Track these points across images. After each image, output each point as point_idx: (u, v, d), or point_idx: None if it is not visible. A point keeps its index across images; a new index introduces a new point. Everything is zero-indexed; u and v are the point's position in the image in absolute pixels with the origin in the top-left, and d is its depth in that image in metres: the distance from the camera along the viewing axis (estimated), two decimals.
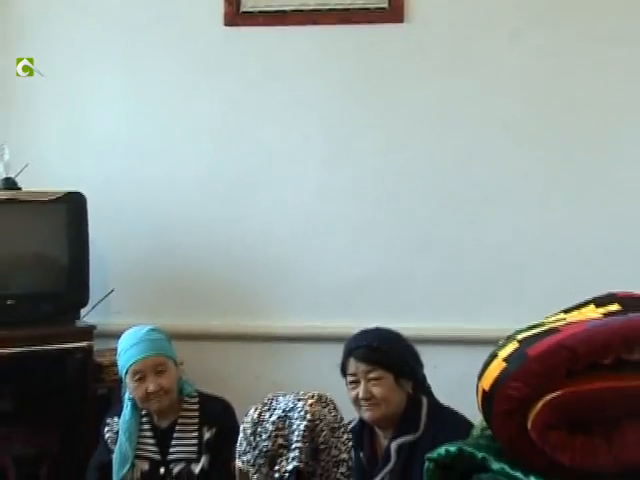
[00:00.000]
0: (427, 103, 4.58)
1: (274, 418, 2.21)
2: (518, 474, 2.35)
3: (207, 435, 3.81)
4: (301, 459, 2.14)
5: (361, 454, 3.44)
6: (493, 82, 4.53)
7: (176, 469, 3.79)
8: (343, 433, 2.24)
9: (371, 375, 3.36)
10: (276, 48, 4.75)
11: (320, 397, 2.26)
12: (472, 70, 4.56)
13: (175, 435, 3.83)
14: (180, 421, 3.84)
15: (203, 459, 3.79)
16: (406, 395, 3.40)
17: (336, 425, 2.23)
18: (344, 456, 2.21)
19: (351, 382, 3.40)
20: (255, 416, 2.25)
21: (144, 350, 3.76)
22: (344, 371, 3.43)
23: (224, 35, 4.79)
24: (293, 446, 2.16)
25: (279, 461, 2.17)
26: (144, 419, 3.86)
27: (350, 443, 2.26)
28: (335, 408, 2.27)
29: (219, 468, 3.72)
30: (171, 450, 3.82)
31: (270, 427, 2.20)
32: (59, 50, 4.92)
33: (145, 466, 3.81)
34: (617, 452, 2.26)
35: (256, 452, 2.21)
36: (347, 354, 3.43)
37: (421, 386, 3.46)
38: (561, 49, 4.50)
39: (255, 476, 2.22)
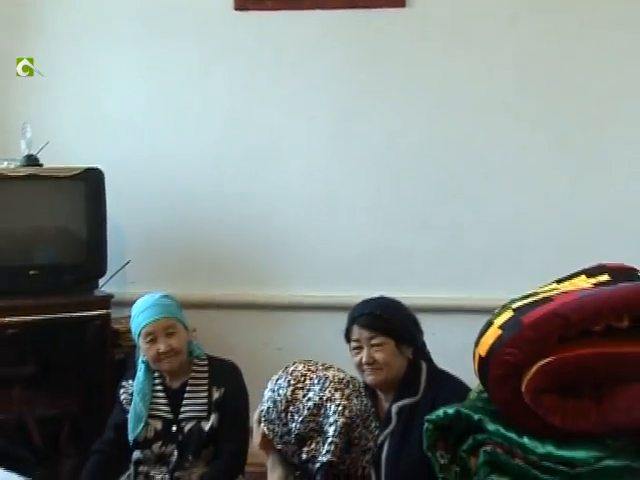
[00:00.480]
0: (429, 85, 4.56)
1: (310, 404, 2.18)
2: (512, 435, 2.36)
3: (216, 395, 3.82)
4: (335, 454, 2.13)
5: None
6: (493, 65, 4.51)
7: (187, 427, 3.80)
8: (371, 422, 2.23)
9: (374, 341, 3.37)
10: (284, 32, 4.74)
11: (354, 384, 2.24)
12: (472, 53, 4.54)
13: (186, 395, 3.84)
14: (190, 382, 3.85)
15: (212, 417, 3.80)
16: (407, 360, 3.40)
17: (367, 414, 2.22)
18: (371, 444, 2.21)
19: (355, 348, 3.41)
20: (289, 393, 2.21)
21: (155, 313, 3.77)
22: (348, 337, 3.44)
23: (234, 19, 4.77)
24: (329, 440, 2.14)
25: (309, 443, 2.17)
26: (156, 381, 3.87)
27: (376, 431, 2.26)
28: (364, 394, 2.25)
29: (227, 425, 3.74)
30: (182, 409, 3.83)
31: (305, 412, 2.17)
32: (79, 34, 4.91)
33: (158, 425, 3.82)
34: (606, 414, 2.28)
35: (286, 429, 2.20)
36: (351, 321, 3.44)
37: (421, 352, 3.47)
38: (559, 32, 4.47)
39: (280, 446, 2.22)
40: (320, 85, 4.68)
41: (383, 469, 3.34)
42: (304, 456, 2.16)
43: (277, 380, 2.25)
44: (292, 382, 2.23)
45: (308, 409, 2.17)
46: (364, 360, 3.35)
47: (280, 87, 4.75)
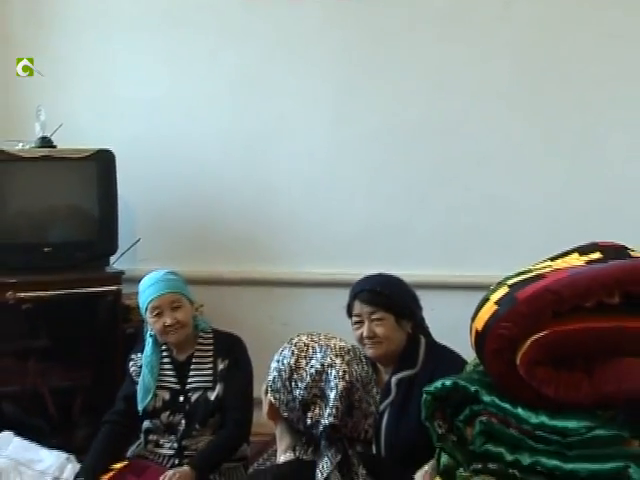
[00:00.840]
0: (426, 70, 4.56)
1: (312, 371, 2.18)
2: (507, 405, 2.37)
3: (221, 366, 3.84)
4: (337, 416, 2.13)
5: None
6: (489, 49, 4.50)
7: (194, 397, 3.83)
8: (372, 387, 2.23)
9: (374, 316, 3.38)
10: (289, 16, 4.73)
11: (355, 352, 2.23)
12: (469, 38, 4.52)
13: (192, 367, 3.86)
14: (196, 354, 3.87)
15: (218, 387, 3.82)
16: (406, 334, 3.42)
17: (367, 380, 2.22)
18: (372, 409, 2.21)
19: (356, 322, 3.42)
20: (292, 362, 2.22)
21: (161, 288, 3.79)
22: (350, 312, 3.45)
23: (241, 6, 4.77)
24: (330, 404, 2.14)
25: (312, 408, 2.16)
26: (164, 353, 3.89)
27: (378, 396, 2.26)
28: (365, 362, 2.25)
29: (232, 395, 3.76)
30: (189, 380, 3.85)
31: (308, 378, 2.18)
32: (92, 21, 4.92)
33: (166, 395, 3.84)
34: (597, 386, 2.28)
35: (290, 396, 2.20)
36: (353, 297, 3.45)
37: (420, 326, 3.49)
38: (555, 17, 4.44)
39: (286, 414, 2.22)
40: (322, 70, 4.69)
41: (383, 437, 3.36)
42: (309, 421, 2.16)
43: (282, 351, 2.26)
44: (296, 352, 2.24)
45: (310, 375, 2.17)
46: (365, 334, 3.37)
47: (284, 72, 4.75)
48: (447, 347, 3.35)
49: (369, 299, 3.39)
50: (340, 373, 2.15)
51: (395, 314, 3.38)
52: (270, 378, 2.27)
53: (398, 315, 3.38)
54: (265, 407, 2.31)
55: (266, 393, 2.28)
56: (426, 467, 2.98)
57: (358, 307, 3.41)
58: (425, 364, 3.33)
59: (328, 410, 2.13)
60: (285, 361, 2.22)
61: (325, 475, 2.12)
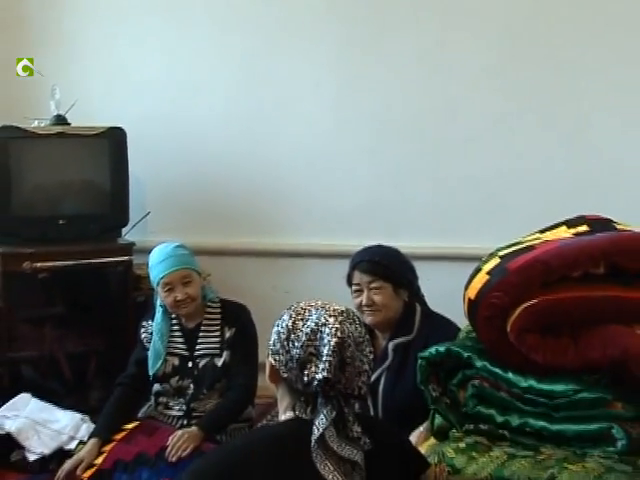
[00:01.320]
0: (423, 54, 4.51)
1: (307, 330, 2.19)
2: (497, 370, 2.38)
3: (228, 334, 3.86)
4: (330, 370, 2.13)
5: None
6: (483, 34, 4.44)
7: (202, 363, 3.84)
8: (366, 347, 2.23)
9: (373, 285, 3.39)
10: (293, 1, 4.71)
11: (348, 313, 2.24)
12: (465, 24, 4.47)
13: (200, 334, 3.87)
14: (205, 322, 3.88)
15: (224, 354, 3.83)
16: (402, 303, 3.43)
17: (361, 340, 2.22)
18: (365, 367, 2.21)
19: (355, 291, 3.44)
20: (290, 324, 2.23)
21: (172, 265, 3.79)
22: (349, 281, 3.46)
23: None
24: (324, 358, 2.15)
25: (308, 366, 2.17)
26: (174, 321, 3.90)
27: (371, 356, 2.25)
28: (359, 323, 2.25)
29: (238, 362, 3.78)
30: (197, 347, 3.86)
31: (303, 337, 2.18)
32: (104, 5, 4.90)
33: (175, 361, 3.86)
34: (582, 351, 2.30)
35: (288, 356, 2.21)
36: (352, 267, 3.46)
37: (416, 295, 3.50)
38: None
39: (285, 374, 2.23)
40: (324, 54, 4.66)
41: (380, 400, 3.38)
42: (305, 379, 2.17)
43: (282, 316, 2.27)
44: (293, 315, 2.25)
45: (306, 335, 2.18)
46: (364, 302, 3.39)
47: (288, 55, 4.73)
48: (441, 315, 3.37)
49: (368, 269, 3.41)
50: (333, 331, 2.16)
51: (393, 283, 3.39)
52: (270, 342, 2.28)
53: (395, 284, 3.40)
54: (267, 370, 2.32)
55: (267, 356, 2.30)
56: (421, 428, 3.00)
57: (357, 276, 3.42)
58: (420, 331, 3.35)
59: (322, 365, 2.14)
60: (283, 324, 2.23)
61: (321, 431, 2.12)
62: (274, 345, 2.25)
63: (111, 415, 3.83)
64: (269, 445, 2.23)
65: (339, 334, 2.15)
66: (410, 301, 3.44)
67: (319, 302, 2.26)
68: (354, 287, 3.44)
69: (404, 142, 4.56)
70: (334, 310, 2.21)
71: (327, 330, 2.16)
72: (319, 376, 2.13)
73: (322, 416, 2.14)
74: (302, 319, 2.22)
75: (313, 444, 2.12)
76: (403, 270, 3.44)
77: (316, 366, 2.15)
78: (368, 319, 3.42)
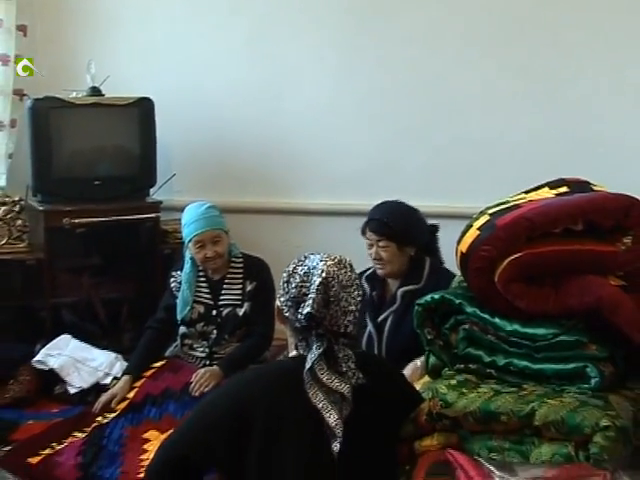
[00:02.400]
0: (418, 27, 4.44)
1: (301, 272, 2.23)
2: (486, 315, 2.39)
3: (249, 287, 3.87)
4: (314, 307, 2.17)
5: (374, 293, 3.50)
6: (471, 7, 4.40)
7: (225, 312, 3.86)
8: (354, 290, 2.25)
9: (380, 243, 3.39)
10: None
11: (340, 260, 2.26)
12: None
13: (224, 286, 3.88)
14: (228, 275, 3.89)
15: (245, 305, 3.85)
16: (409, 257, 3.42)
17: (348, 283, 2.23)
18: (352, 308, 2.23)
19: (368, 244, 3.44)
20: (290, 269, 2.27)
21: (204, 225, 3.78)
22: (364, 233, 3.46)
23: None
24: (309, 295, 2.19)
25: (302, 305, 2.21)
26: (200, 273, 3.91)
27: (359, 298, 2.27)
28: (351, 270, 2.27)
29: (257, 311, 3.79)
30: (221, 297, 3.87)
31: (298, 278, 2.23)
32: None
33: (201, 309, 3.87)
34: (561, 299, 2.30)
35: (287, 296, 2.25)
36: (366, 222, 3.45)
37: (425, 249, 3.47)
38: None
39: (287, 314, 2.27)
40: (327, 26, 4.59)
41: (384, 338, 3.41)
42: (299, 316, 2.21)
43: (288, 266, 2.30)
44: (295, 262, 2.29)
45: (299, 276, 2.22)
46: (373, 256, 3.42)
47: (294, 29, 4.66)
48: (448, 269, 3.32)
49: (375, 229, 3.40)
50: (319, 271, 2.20)
51: (397, 242, 3.38)
52: (279, 287, 2.32)
53: (400, 243, 3.39)
54: (276, 312, 2.36)
55: (276, 300, 2.34)
56: (417, 361, 3.01)
57: (368, 232, 3.42)
58: (428, 281, 3.35)
59: (308, 301, 2.18)
60: (287, 270, 2.28)
61: (310, 364, 2.17)
62: (279, 289, 2.31)
63: (141, 355, 3.86)
64: (272, 376, 2.30)
65: (324, 275, 2.19)
66: (417, 255, 3.43)
67: (321, 253, 2.28)
68: (366, 240, 3.45)
69: (401, 110, 4.53)
70: (327, 257, 2.25)
71: (316, 272, 2.21)
72: (304, 311, 2.18)
73: (313, 350, 2.19)
74: (300, 264, 2.27)
75: (305, 375, 2.17)
76: (409, 230, 3.40)
77: (304, 304, 2.20)
78: (379, 271, 3.45)
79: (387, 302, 3.45)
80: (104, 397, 3.68)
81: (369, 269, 3.53)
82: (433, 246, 3.52)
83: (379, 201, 3.56)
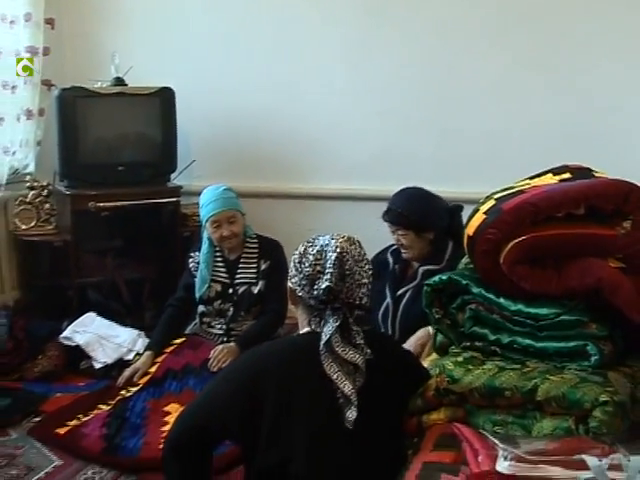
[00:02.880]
0: (426, 19, 4.42)
1: (314, 252, 2.25)
2: (491, 296, 2.40)
3: (263, 266, 3.89)
4: (332, 280, 2.19)
5: (396, 266, 3.53)
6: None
7: (240, 290, 3.88)
8: (365, 264, 2.28)
9: (398, 232, 3.41)
10: None
11: (349, 238, 2.29)
12: None
13: (240, 265, 3.90)
14: (244, 255, 3.91)
15: (260, 283, 3.87)
16: (429, 241, 3.42)
17: (360, 258, 2.26)
18: (365, 281, 2.26)
19: (390, 230, 3.46)
20: (302, 250, 2.29)
21: (221, 206, 3.81)
22: (385, 221, 3.48)
23: None
24: (326, 270, 2.21)
25: (317, 282, 2.22)
26: (217, 253, 3.93)
27: (370, 272, 2.29)
28: (360, 246, 2.30)
29: (271, 289, 3.81)
30: (237, 276, 3.89)
31: (311, 258, 2.25)
32: None
33: (218, 287, 3.90)
34: (563, 280, 2.30)
35: (301, 276, 2.26)
36: (384, 212, 3.46)
37: (446, 233, 3.45)
38: None
39: (300, 293, 2.28)
40: (342, 22, 4.57)
41: (400, 312, 3.44)
42: (315, 293, 2.22)
43: (298, 248, 2.32)
44: (305, 243, 2.31)
45: (313, 255, 2.24)
46: (395, 241, 3.45)
47: (311, 20, 4.64)
48: None
49: (391, 219, 3.43)
50: (333, 248, 2.23)
51: (414, 230, 3.40)
52: (289, 269, 2.35)
53: (416, 230, 3.40)
54: (288, 293, 2.38)
55: (287, 282, 2.36)
56: (429, 328, 3.00)
57: (387, 222, 3.44)
58: (449, 262, 3.34)
59: (326, 276, 2.20)
60: (297, 252, 2.31)
61: (328, 336, 2.19)
62: (290, 271, 2.33)
63: (163, 332, 3.90)
64: (285, 350, 2.33)
65: (338, 250, 2.22)
66: (438, 238, 3.43)
67: (330, 234, 2.30)
68: (388, 227, 3.45)
69: (413, 99, 4.51)
70: (337, 235, 2.28)
71: (329, 249, 2.24)
72: (323, 285, 2.20)
73: (329, 324, 2.20)
74: (311, 245, 2.29)
75: (321, 348, 2.18)
76: (424, 217, 3.40)
77: (321, 280, 2.21)
78: (403, 255, 3.49)
79: (408, 278, 3.48)
80: (127, 372, 3.72)
81: (394, 244, 3.55)
82: (455, 227, 3.48)
83: (390, 187, 3.58)
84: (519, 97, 4.33)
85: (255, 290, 3.88)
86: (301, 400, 2.16)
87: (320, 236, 2.31)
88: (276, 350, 2.36)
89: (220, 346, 3.72)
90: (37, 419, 3.60)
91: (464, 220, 3.42)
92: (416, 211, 3.39)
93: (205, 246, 3.89)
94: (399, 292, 3.46)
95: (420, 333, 3.19)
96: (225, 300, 3.88)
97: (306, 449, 2.13)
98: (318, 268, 2.23)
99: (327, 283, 2.19)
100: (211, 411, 2.22)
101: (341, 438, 2.14)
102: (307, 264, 2.25)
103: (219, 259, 3.93)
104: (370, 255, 2.42)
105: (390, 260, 3.53)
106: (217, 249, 3.92)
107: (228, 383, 2.26)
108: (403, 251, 3.45)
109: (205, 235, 3.90)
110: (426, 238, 3.41)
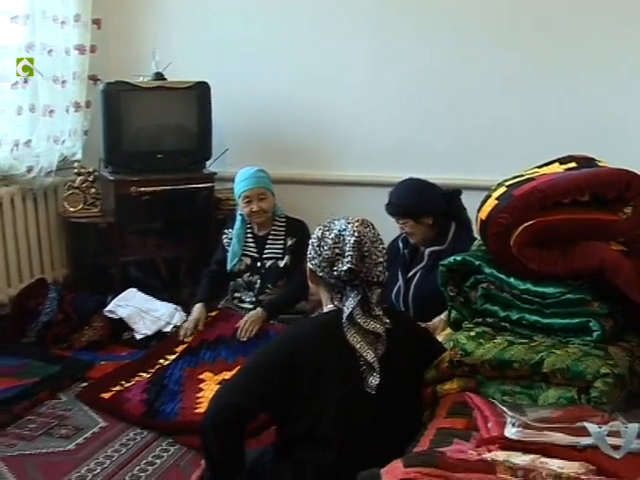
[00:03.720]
0: (444, 17, 4.36)
1: (332, 236, 2.25)
2: (502, 275, 2.40)
3: (289, 242, 3.93)
4: (352, 262, 2.20)
5: (405, 251, 3.55)
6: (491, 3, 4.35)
7: (268, 264, 3.93)
8: (379, 244, 2.28)
9: (399, 221, 3.44)
10: None
11: (363, 221, 2.29)
12: None
13: (268, 241, 3.95)
14: (272, 232, 3.96)
15: (286, 258, 3.92)
16: (429, 225, 3.43)
17: (374, 239, 2.27)
18: (380, 259, 2.26)
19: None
20: (319, 234, 2.29)
21: (252, 183, 3.87)
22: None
23: None
24: (346, 253, 2.21)
25: (336, 264, 2.23)
26: (248, 230, 3.98)
27: (384, 251, 2.30)
28: (373, 228, 2.30)
29: (296, 265, 3.83)
30: (265, 251, 3.94)
31: (330, 242, 2.25)
32: None
33: (248, 261, 3.95)
34: (569, 262, 2.30)
35: (320, 258, 2.27)
36: (386, 204, 3.47)
37: (445, 215, 3.46)
38: None
39: (321, 274, 2.30)
40: (365, 23, 4.53)
41: (412, 290, 3.46)
42: (335, 273, 2.23)
43: (315, 232, 2.33)
44: (322, 228, 2.31)
45: (331, 239, 2.25)
46: (400, 230, 3.47)
47: (337, 18, 4.58)
48: (472, 234, 3.31)
49: (390, 211, 3.46)
50: (351, 232, 2.23)
51: (411, 217, 3.41)
52: (308, 251, 2.35)
53: (415, 217, 3.41)
54: (307, 274, 2.39)
55: (306, 264, 2.37)
56: (442, 316, 3.02)
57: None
58: (451, 243, 3.38)
59: (346, 259, 2.21)
60: (315, 236, 2.31)
61: (350, 309, 2.21)
62: (310, 253, 2.33)
63: (205, 291, 4.01)
64: (313, 327, 2.35)
65: (356, 234, 2.22)
66: (439, 221, 3.44)
67: (344, 218, 2.30)
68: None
69: (430, 92, 4.48)
70: (352, 219, 2.28)
71: (347, 232, 2.24)
72: (345, 267, 2.21)
73: (350, 299, 2.22)
74: (328, 229, 2.29)
75: (344, 321, 2.21)
76: (419, 205, 3.41)
77: (342, 262, 2.22)
78: (410, 240, 3.50)
79: (416, 260, 3.49)
80: (189, 324, 3.82)
81: (401, 234, 3.57)
82: (455, 210, 3.49)
83: (407, 174, 3.59)
84: (529, 92, 4.30)
85: (281, 264, 3.92)
86: (329, 370, 2.17)
87: (335, 220, 2.31)
88: (305, 328, 2.39)
89: (246, 316, 3.77)
90: (84, 384, 3.65)
91: (463, 203, 3.48)
92: (410, 201, 3.41)
93: (238, 222, 3.96)
94: (409, 274, 3.49)
95: (437, 320, 3.20)
96: (253, 273, 3.94)
97: (333, 413, 2.15)
98: (337, 251, 2.23)
99: (348, 265, 2.20)
100: (251, 387, 2.21)
101: (364, 403, 2.17)
102: (326, 247, 2.25)
103: (249, 235, 3.98)
104: (387, 238, 2.43)
105: (400, 246, 3.56)
106: (248, 226, 3.97)
107: (264, 361, 2.27)
108: (409, 237, 3.48)
109: (238, 212, 3.95)
110: (425, 223, 3.42)
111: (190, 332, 3.78)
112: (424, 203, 3.43)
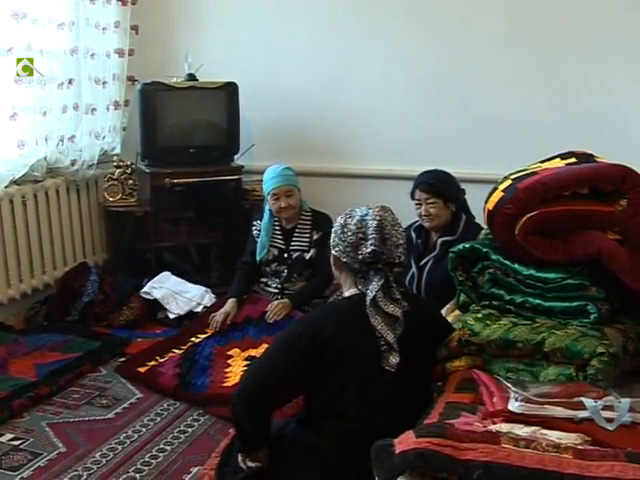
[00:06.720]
0: (452, 24, 4.34)
1: (355, 221, 2.26)
2: (507, 262, 2.41)
3: (315, 236, 3.91)
4: (375, 244, 2.20)
5: (418, 241, 3.54)
6: (494, 8, 4.28)
7: (294, 255, 3.91)
8: (399, 227, 2.28)
9: (429, 200, 3.41)
10: None
11: (382, 206, 2.29)
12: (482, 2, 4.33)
13: (295, 234, 3.93)
14: (299, 226, 3.94)
15: (312, 251, 3.90)
16: (451, 213, 3.44)
17: (394, 222, 2.27)
18: (401, 242, 2.26)
19: (417, 204, 3.45)
20: (342, 222, 2.30)
21: (280, 181, 3.85)
22: (412, 196, 3.47)
23: None
24: (370, 237, 2.21)
25: (360, 247, 2.23)
26: (276, 223, 3.96)
27: (404, 234, 2.30)
28: (392, 212, 2.30)
29: (321, 256, 3.80)
30: (292, 243, 3.93)
31: (353, 227, 2.25)
32: None
33: (275, 252, 3.93)
34: (569, 249, 2.31)
35: (345, 244, 2.27)
36: (415, 186, 3.46)
37: (461, 207, 3.49)
38: None
39: (345, 259, 2.29)
40: (377, 25, 4.49)
41: (424, 278, 3.45)
42: (360, 257, 2.23)
43: (337, 220, 2.33)
44: (344, 216, 2.31)
45: (354, 224, 2.25)
46: (423, 213, 3.44)
47: (354, 19, 4.54)
48: (479, 224, 3.32)
49: (425, 189, 3.42)
50: (372, 217, 2.23)
51: (443, 199, 3.41)
52: (331, 240, 2.35)
53: (445, 200, 3.41)
54: (331, 261, 2.39)
55: (330, 250, 2.37)
56: (449, 305, 3.03)
57: (418, 193, 3.45)
58: (462, 233, 3.37)
59: (369, 242, 2.21)
60: (337, 224, 2.32)
61: (374, 293, 2.21)
62: (333, 240, 2.33)
63: (239, 284, 3.95)
64: (337, 310, 2.35)
65: (378, 217, 2.23)
66: (456, 212, 3.45)
67: (364, 206, 2.31)
68: (415, 201, 3.47)
69: (441, 91, 4.45)
70: (372, 206, 2.28)
71: (369, 217, 2.24)
72: (369, 249, 2.21)
73: (374, 283, 2.22)
74: (350, 217, 2.29)
75: (368, 304, 2.20)
76: (451, 189, 3.44)
77: (365, 245, 2.22)
78: (426, 225, 3.48)
79: (429, 249, 3.49)
80: (219, 316, 3.78)
81: (416, 222, 3.56)
82: (465, 205, 3.53)
83: (422, 167, 3.57)
84: (533, 91, 4.26)
85: (307, 256, 3.90)
86: (350, 351, 2.18)
87: (356, 208, 2.31)
88: (329, 311, 2.40)
89: (276, 302, 3.77)
90: (122, 359, 3.71)
91: (469, 201, 3.49)
92: (444, 183, 3.44)
93: (266, 216, 3.93)
94: (422, 262, 3.48)
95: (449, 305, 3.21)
96: (281, 263, 3.92)
97: (354, 389, 2.16)
98: (360, 235, 2.23)
99: (372, 247, 2.20)
100: (278, 366, 2.22)
101: (382, 380, 2.17)
102: (350, 233, 2.25)
103: (277, 228, 3.96)
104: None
105: (413, 235, 3.54)
106: (276, 219, 3.95)
107: (292, 342, 2.26)
108: (427, 220, 3.43)
109: (266, 207, 3.94)
110: (450, 209, 3.42)
111: (219, 325, 3.74)
112: (454, 189, 3.47)
